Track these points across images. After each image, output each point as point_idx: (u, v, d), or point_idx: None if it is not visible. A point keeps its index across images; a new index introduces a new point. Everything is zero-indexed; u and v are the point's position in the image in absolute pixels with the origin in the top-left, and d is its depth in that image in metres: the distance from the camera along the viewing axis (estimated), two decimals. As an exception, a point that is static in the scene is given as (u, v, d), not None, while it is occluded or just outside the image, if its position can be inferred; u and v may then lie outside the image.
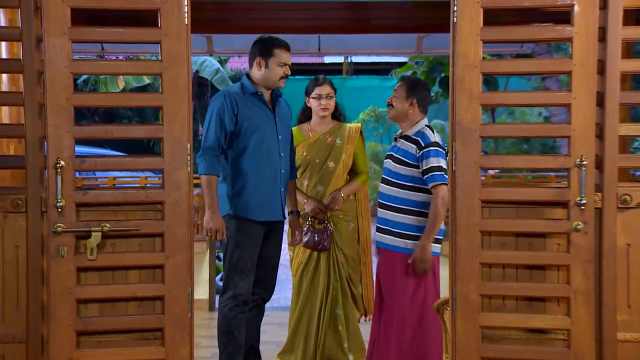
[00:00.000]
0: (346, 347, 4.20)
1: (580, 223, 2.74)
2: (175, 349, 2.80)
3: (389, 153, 3.84)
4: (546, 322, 2.81)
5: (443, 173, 3.56)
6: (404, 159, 3.71)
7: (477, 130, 2.78)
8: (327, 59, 15.91)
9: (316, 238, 4.16)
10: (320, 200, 4.21)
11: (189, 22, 2.79)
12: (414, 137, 3.70)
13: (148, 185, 6.26)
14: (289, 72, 3.72)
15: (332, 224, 4.23)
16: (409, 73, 10.99)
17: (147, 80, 11.79)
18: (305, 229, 4.18)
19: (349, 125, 4.39)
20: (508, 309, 2.86)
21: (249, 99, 3.69)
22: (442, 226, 3.69)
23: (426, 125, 3.74)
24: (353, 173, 4.37)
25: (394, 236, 3.71)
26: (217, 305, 3.72)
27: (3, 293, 2.77)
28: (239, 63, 14.84)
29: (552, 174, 6.57)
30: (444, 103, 12.16)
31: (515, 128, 3.14)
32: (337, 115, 4.38)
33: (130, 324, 2.83)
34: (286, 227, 4.04)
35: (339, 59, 15.50)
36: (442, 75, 10.60)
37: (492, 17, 2.79)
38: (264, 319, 4.02)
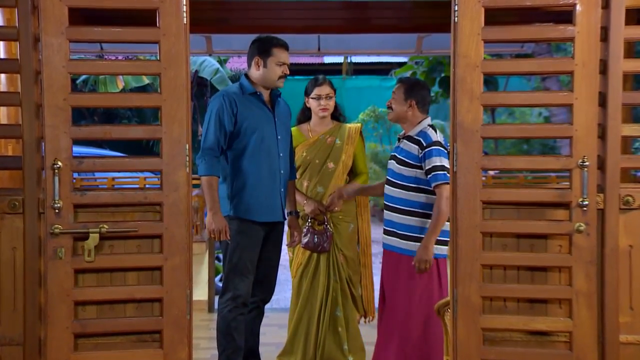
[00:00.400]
0: (346, 348, 4.18)
1: (582, 224, 2.72)
2: (174, 352, 2.77)
3: (393, 154, 3.82)
4: (548, 324, 2.79)
5: (446, 172, 3.54)
6: (406, 160, 3.69)
7: (478, 131, 2.76)
8: (327, 59, 15.90)
9: (316, 239, 4.14)
10: (320, 201, 4.19)
11: (188, 21, 2.77)
12: (416, 137, 3.68)
13: (147, 186, 6.25)
14: (288, 72, 3.70)
15: (332, 225, 4.20)
16: (408, 73, 10.97)
17: (146, 80, 11.78)
18: (305, 230, 4.15)
19: (348, 125, 4.37)
20: (509, 311, 2.83)
21: (248, 99, 3.67)
22: (449, 227, 3.67)
23: (429, 125, 3.72)
24: (353, 174, 4.35)
25: (400, 238, 3.69)
26: (216, 306, 3.70)
27: (0, 295, 2.75)
28: (238, 63, 14.82)
29: (552, 174, 6.56)
30: (444, 103, 12.16)
31: (517, 128, 3.12)
32: (337, 115, 4.36)
33: (128, 326, 2.81)
34: (286, 227, 4.02)
35: (339, 59, 15.48)
36: (442, 75, 10.58)
37: (492, 17, 2.77)
38: (264, 321, 4.00)
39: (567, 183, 2.79)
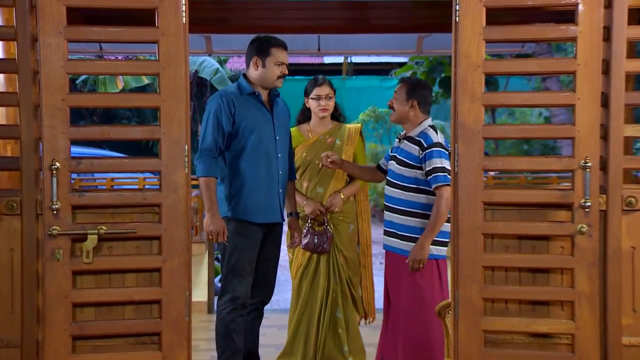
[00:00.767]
0: (346, 350, 4.16)
1: (584, 225, 2.70)
2: (173, 354, 2.75)
3: (393, 154, 3.80)
4: (550, 327, 2.77)
5: (446, 174, 3.52)
6: (407, 161, 3.67)
7: (479, 132, 2.74)
8: (327, 59, 15.87)
9: (316, 240, 4.12)
10: (320, 202, 4.17)
11: (187, 21, 2.75)
12: (416, 138, 3.67)
13: (147, 186, 6.22)
14: (287, 72, 3.67)
15: (332, 226, 4.18)
16: (409, 73, 10.95)
17: (146, 80, 11.75)
18: (304, 231, 4.13)
19: (348, 125, 4.35)
20: (511, 313, 2.81)
21: (246, 99, 3.65)
22: (449, 228, 3.65)
23: (429, 126, 3.70)
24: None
25: (400, 239, 3.67)
26: (215, 307, 3.68)
27: (-3, 297, 2.73)
28: (238, 63, 14.79)
29: (553, 174, 6.54)
30: (444, 103, 12.14)
31: (519, 129, 3.09)
32: (337, 115, 4.34)
33: (126, 329, 2.79)
34: (285, 228, 4.00)
35: (339, 59, 15.46)
36: (442, 75, 10.57)
37: (491, 17, 2.75)
38: (263, 322, 3.98)
39: (568, 184, 2.78)
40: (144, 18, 2.84)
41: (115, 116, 14.26)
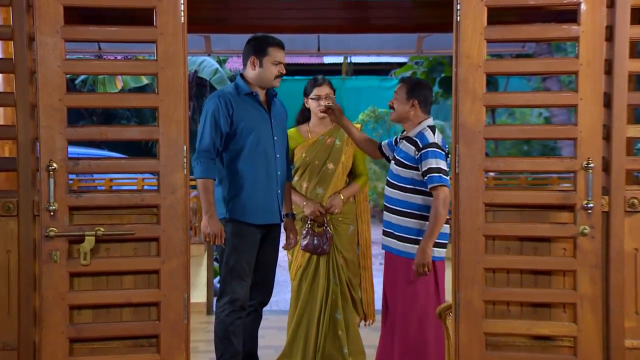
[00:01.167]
0: (346, 352, 4.13)
1: (586, 227, 2.68)
2: (171, 357, 2.73)
3: (393, 155, 3.78)
4: (552, 329, 2.75)
5: (442, 174, 3.49)
6: (404, 161, 3.65)
7: (480, 132, 2.71)
8: (327, 59, 15.84)
9: (315, 242, 4.09)
10: (320, 202, 4.15)
11: (186, 20, 2.73)
12: (414, 138, 3.65)
13: (145, 187, 6.20)
14: (284, 71, 3.65)
15: (331, 227, 4.16)
16: (408, 73, 10.94)
17: (145, 80, 11.71)
18: (304, 232, 4.11)
19: (348, 126, 4.32)
20: (512, 315, 2.79)
21: (243, 99, 3.62)
22: (447, 230, 3.62)
23: (428, 126, 3.67)
24: (352, 175, 4.31)
25: (397, 240, 3.65)
26: (214, 309, 3.66)
27: (-6, 299, 2.71)
28: (237, 63, 14.74)
29: (554, 175, 6.51)
30: (444, 103, 12.12)
31: (520, 129, 3.07)
32: (336, 116, 4.31)
33: (124, 331, 2.77)
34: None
35: (339, 59, 15.43)
36: (442, 75, 10.54)
37: (491, 17, 2.73)
38: (263, 323, 3.96)
39: (569, 184, 2.76)
40: (144, 18, 2.82)
41: (115, 116, 14.23)
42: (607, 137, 2.72)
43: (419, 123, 3.69)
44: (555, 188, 3.19)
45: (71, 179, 6.10)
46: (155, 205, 2.73)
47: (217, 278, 6.29)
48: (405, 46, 6.55)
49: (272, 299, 4.03)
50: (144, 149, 13.32)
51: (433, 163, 3.52)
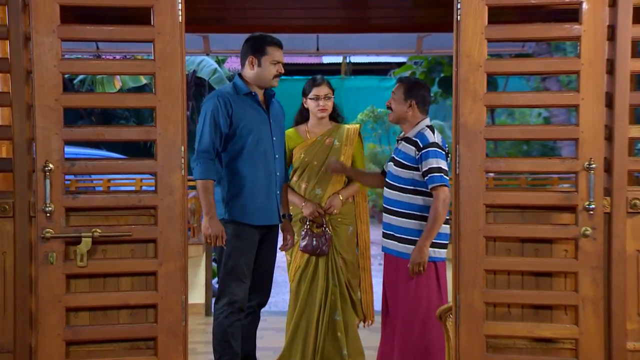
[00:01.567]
0: (345, 353, 4.10)
1: (588, 228, 2.66)
2: (169, 359, 2.71)
3: (392, 156, 3.76)
4: (553, 331, 2.73)
5: (442, 174, 3.47)
6: (404, 162, 3.63)
7: (481, 132, 2.69)
8: (326, 59, 15.82)
9: (314, 242, 4.07)
10: (319, 203, 4.12)
11: (184, 19, 2.71)
12: (413, 138, 3.62)
13: (144, 188, 6.17)
14: (283, 70, 3.62)
15: (330, 227, 4.13)
16: (407, 73, 10.92)
17: (144, 80, 11.68)
18: (303, 233, 4.08)
19: (347, 126, 4.30)
20: (514, 318, 2.77)
21: (242, 99, 3.60)
22: (448, 230, 3.60)
23: (427, 126, 3.65)
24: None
25: (398, 241, 3.63)
26: (213, 310, 3.64)
27: (-11, 301, 2.68)
28: (236, 63, 14.71)
29: (554, 175, 6.48)
30: (443, 103, 12.10)
31: (522, 130, 3.06)
32: (335, 116, 4.29)
33: (121, 333, 2.74)
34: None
35: (338, 59, 15.41)
36: (442, 75, 10.52)
37: (490, 17, 2.70)
38: (261, 324, 3.93)
39: (568, 185, 2.73)
40: (142, 17, 2.79)
41: (114, 116, 14.18)
42: (609, 137, 2.70)
43: (418, 123, 3.67)
44: (557, 189, 3.17)
45: (69, 180, 6.09)
46: (153, 207, 2.71)
47: (216, 279, 6.28)
48: (404, 46, 6.54)
49: (271, 299, 4.00)
50: (143, 149, 13.28)
51: (434, 163, 3.50)
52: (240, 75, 3.67)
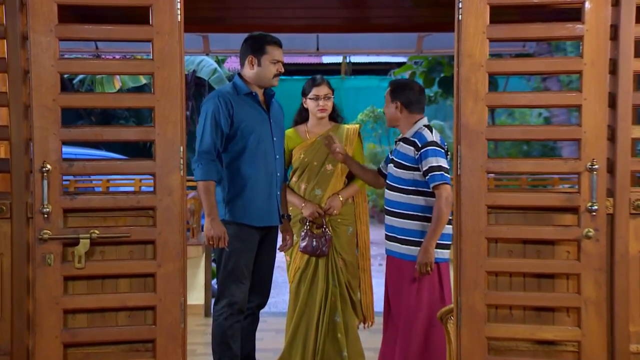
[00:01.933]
0: (345, 355, 4.08)
1: (591, 230, 2.63)
2: (168, 361, 2.68)
3: (391, 157, 3.74)
4: (555, 334, 2.70)
5: (443, 172, 3.46)
6: (403, 163, 3.61)
7: (483, 133, 2.67)
8: (326, 59, 15.81)
9: (314, 243, 4.04)
10: (319, 204, 4.10)
11: (182, 19, 2.68)
12: (411, 139, 3.61)
13: (143, 188, 6.14)
14: (282, 70, 3.59)
15: (330, 228, 4.11)
16: (407, 73, 10.90)
17: (144, 80, 11.65)
18: (302, 233, 4.06)
19: (346, 126, 4.28)
20: (515, 320, 2.74)
21: (243, 99, 3.57)
22: (451, 230, 3.58)
23: (424, 126, 3.63)
24: (351, 175, 4.25)
25: (400, 243, 3.60)
26: (212, 311, 3.62)
27: (-13, 303, 2.66)
28: (236, 63, 14.67)
29: (555, 176, 6.45)
30: (443, 103, 12.09)
31: (524, 130, 3.03)
32: (334, 116, 4.27)
33: (120, 335, 2.72)
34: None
35: (338, 59, 15.40)
36: (442, 75, 10.50)
37: (493, 16, 2.68)
38: (261, 325, 3.92)
39: (569, 185, 2.71)
40: (141, 17, 2.77)
41: (113, 116, 14.15)
42: (612, 138, 2.66)
43: (414, 123, 3.65)
44: (558, 190, 3.14)
45: (68, 180, 6.06)
46: (152, 207, 2.68)
47: (215, 279, 6.26)
48: (405, 46, 6.52)
49: (271, 300, 3.98)
50: (143, 150, 13.25)
51: (433, 161, 3.48)
52: (239, 75, 3.65)
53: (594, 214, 2.63)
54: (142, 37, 2.72)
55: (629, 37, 2.64)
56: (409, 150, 3.59)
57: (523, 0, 2.73)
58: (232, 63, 14.13)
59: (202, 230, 3.69)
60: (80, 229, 2.65)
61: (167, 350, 2.68)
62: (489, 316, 2.71)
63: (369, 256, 4.32)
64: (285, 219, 3.91)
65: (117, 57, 7.25)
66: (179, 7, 2.66)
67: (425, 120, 3.68)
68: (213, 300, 3.72)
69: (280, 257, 4.13)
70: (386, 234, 3.70)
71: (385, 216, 3.72)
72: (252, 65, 3.57)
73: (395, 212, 3.63)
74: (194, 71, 11.69)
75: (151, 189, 2.72)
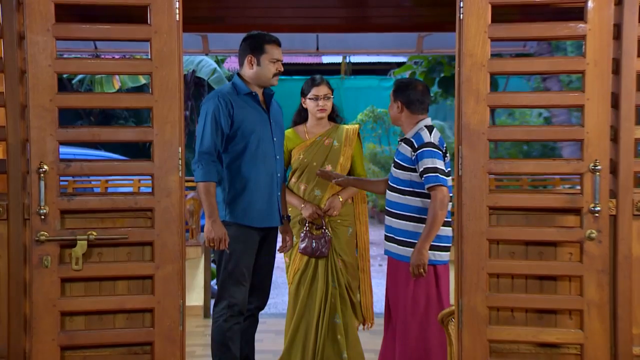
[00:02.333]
0: (345, 356, 4.06)
1: (593, 231, 2.60)
2: (166, 364, 2.65)
3: (393, 158, 3.72)
4: (558, 336, 2.68)
5: (438, 174, 3.42)
6: (402, 163, 3.58)
7: (484, 133, 2.64)
8: (325, 59, 15.79)
9: (314, 244, 4.02)
10: (318, 204, 4.07)
11: (181, 18, 2.66)
12: (410, 139, 3.58)
13: (142, 189, 6.12)
14: (282, 69, 3.57)
15: (330, 229, 4.08)
16: (407, 73, 10.86)
17: (143, 80, 11.63)
18: (302, 235, 4.04)
19: (346, 126, 4.26)
20: (517, 322, 2.72)
21: (243, 99, 3.54)
22: (450, 232, 3.55)
23: (425, 126, 3.60)
24: (351, 176, 4.23)
25: (397, 244, 3.58)
26: (212, 312, 3.60)
27: (-17, 305, 2.63)
28: (236, 63, 14.67)
29: (556, 176, 6.42)
30: (443, 103, 12.06)
31: (525, 130, 2.99)
32: (334, 116, 4.25)
33: (118, 338, 2.69)
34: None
35: (337, 59, 15.38)
36: (442, 75, 10.47)
37: (495, 16, 2.66)
38: (260, 327, 3.89)
39: (570, 186, 2.68)
40: (140, 17, 2.74)
41: (113, 117, 14.13)
42: (615, 138, 2.64)
43: (416, 123, 3.63)
44: (560, 190, 3.11)
45: (66, 180, 6.04)
46: (150, 209, 2.66)
47: (214, 280, 6.23)
48: (405, 45, 6.51)
49: (270, 301, 3.96)
50: (142, 150, 13.23)
51: (429, 163, 3.45)
52: (239, 74, 3.62)
53: (597, 215, 2.61)
54: (140, 37, 2.70)
55: (632, 37, 2.61)
56: (407, 150, 3.57)
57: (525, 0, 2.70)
58: (232, 63, 14.10)
59: (202, 231, 3.67)
60: (78, 231, 2.62)
61: (166, 353, 2.66)
62: (490, 318, 2.69)
63: (368, 257, 4.30)
64: (285, 220, 3.89)
65: (117, 57, 7.24)
66: (177, 6, 2.64)
67: (427, 121, 3.65)
68: (212, 302, 3.69)
69: (280, 258, 4.10)
70: (385, 235, 3.68)
71: (385, 217, 3.69)
72: (252, 65, 3.54)
73: (394, 212, 3.60)
74: (194, 71, 11.67)
75: (150, 189, 2.69)
